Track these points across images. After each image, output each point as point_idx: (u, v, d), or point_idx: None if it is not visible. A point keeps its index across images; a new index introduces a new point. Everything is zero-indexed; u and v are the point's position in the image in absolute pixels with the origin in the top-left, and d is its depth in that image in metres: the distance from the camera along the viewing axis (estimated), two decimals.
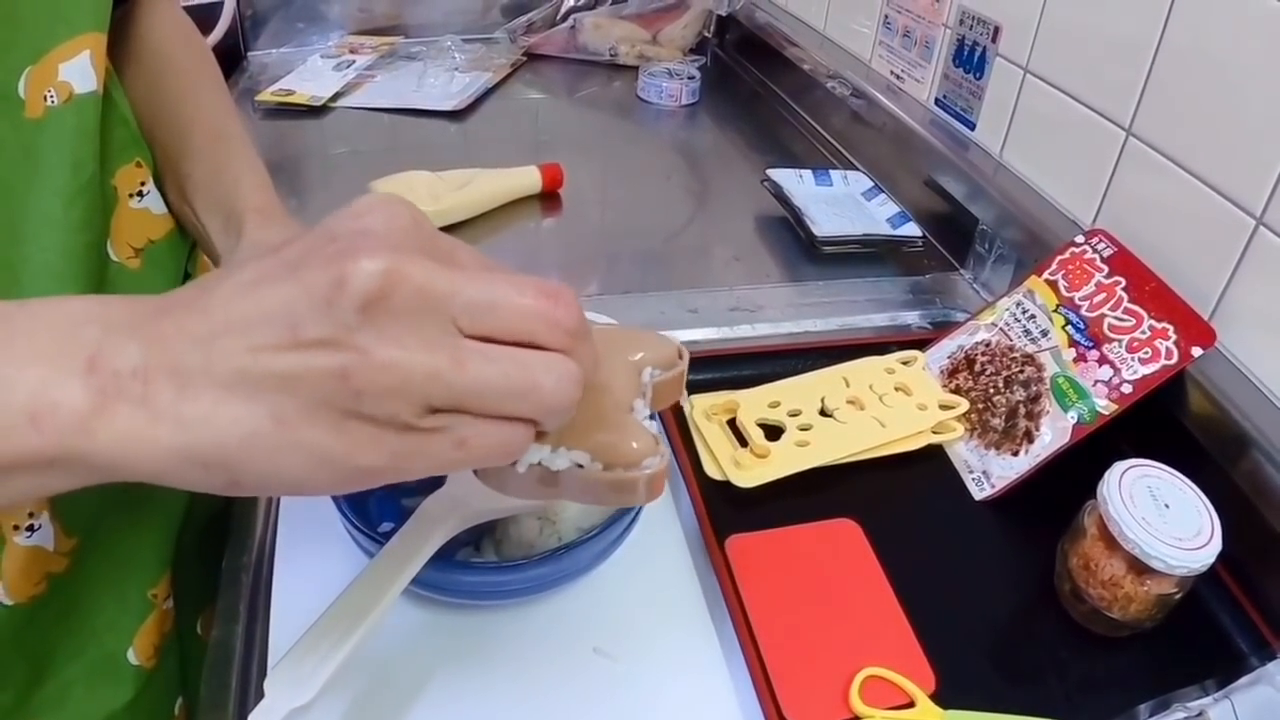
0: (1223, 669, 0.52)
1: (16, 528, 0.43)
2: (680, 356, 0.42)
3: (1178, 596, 0.53)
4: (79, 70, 0.45)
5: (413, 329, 0.28)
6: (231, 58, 1.42)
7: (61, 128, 0.45)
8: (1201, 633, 0.56)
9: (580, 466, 0.37)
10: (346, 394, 0.28)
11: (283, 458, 0.29)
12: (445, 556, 0.49)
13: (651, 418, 0.40)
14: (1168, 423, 0.63)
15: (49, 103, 0.44)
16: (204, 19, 1.32)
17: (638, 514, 0.54)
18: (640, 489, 0.37)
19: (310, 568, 0.55)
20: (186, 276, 0.57)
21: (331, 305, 0.27)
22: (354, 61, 1.38)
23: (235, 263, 0.34)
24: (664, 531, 0.60)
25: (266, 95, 1.27)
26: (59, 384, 0.28)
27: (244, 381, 0.28)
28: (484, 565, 0.52)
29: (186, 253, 0.57)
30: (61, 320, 0.29)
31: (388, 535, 0.47)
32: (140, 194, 0.52)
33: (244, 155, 0.55)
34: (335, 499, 0.50)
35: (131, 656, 0.51)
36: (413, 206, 0.30)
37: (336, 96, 1.28)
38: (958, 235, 0.92)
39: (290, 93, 1.27)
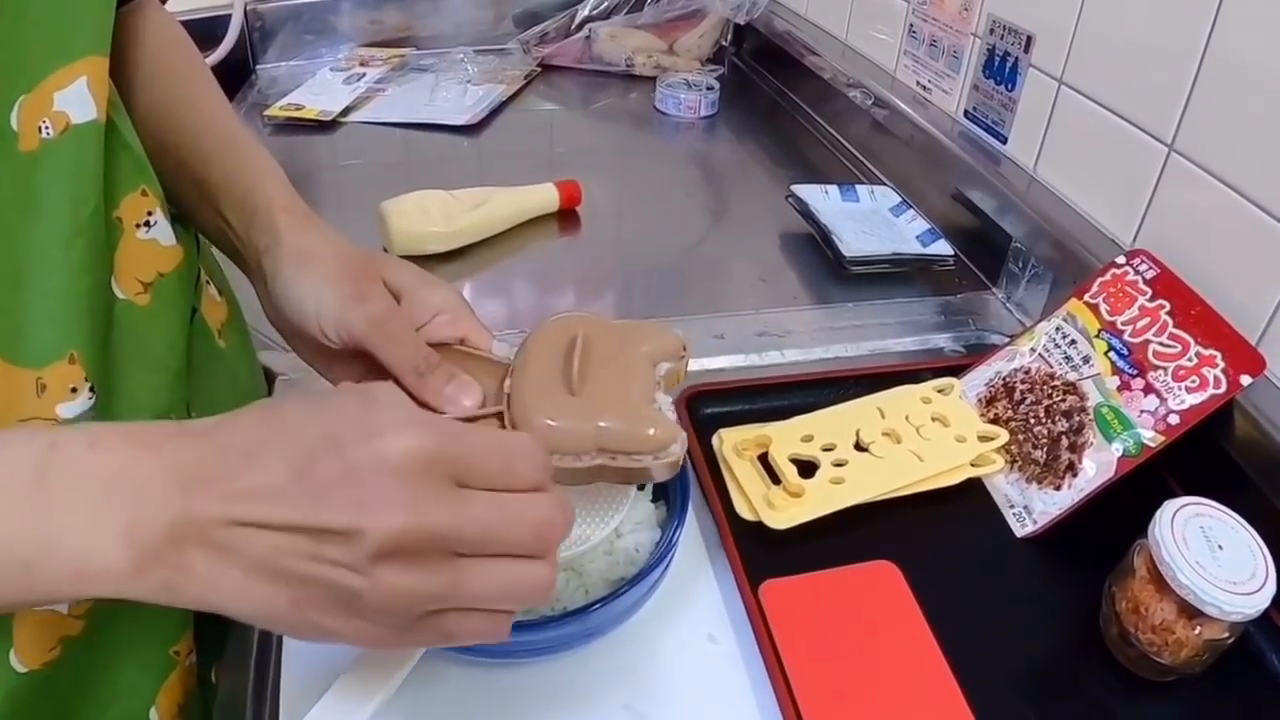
0: (1272, 715, 0.51)
1: None
2: (684, 349, 0.52)
3: (1230, 641, 0.51)
4: (76, 98, 0.42)
5: (418, 561, 0.34)
6: (239, 71, 1.40)
7: (59, 161, 0.42)
8: (1250, 677, 0.55)
9: (611, 459, 0.46)
10: (358, 605, 0.34)
11: (295, 629, 0.35)
12: None
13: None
14: (1216, 455, 0.61)
15: (44, 135, 0.41)
16: (211, 31, 1.31)
17: (668, 565, 0.52)
18: (661, 472, 0.47)
19: None
20: (193, 312, 0.55)
21: (350, 543, 0.32)
22: (364, 74, 1.36)
23: (270, 415, 0.37)
24: (696, 578, 0.58)
25: (275, 110, 1.25)
26: (100, 552, 0.32)
27: (269, 570, 0.33)
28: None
29: (193, 285, 0.55)
30: (94, 483, 0.33)
31: None
32: (148, 224, 0.49)
33: (258, 154, 0.58)
34: None
35: (154, 716, 0.49)
36: (430, 431, 0.35)
37: (347, 111, 1.26)
38: (989, 253, 0.89)
39: (300, 107, 1.26)
